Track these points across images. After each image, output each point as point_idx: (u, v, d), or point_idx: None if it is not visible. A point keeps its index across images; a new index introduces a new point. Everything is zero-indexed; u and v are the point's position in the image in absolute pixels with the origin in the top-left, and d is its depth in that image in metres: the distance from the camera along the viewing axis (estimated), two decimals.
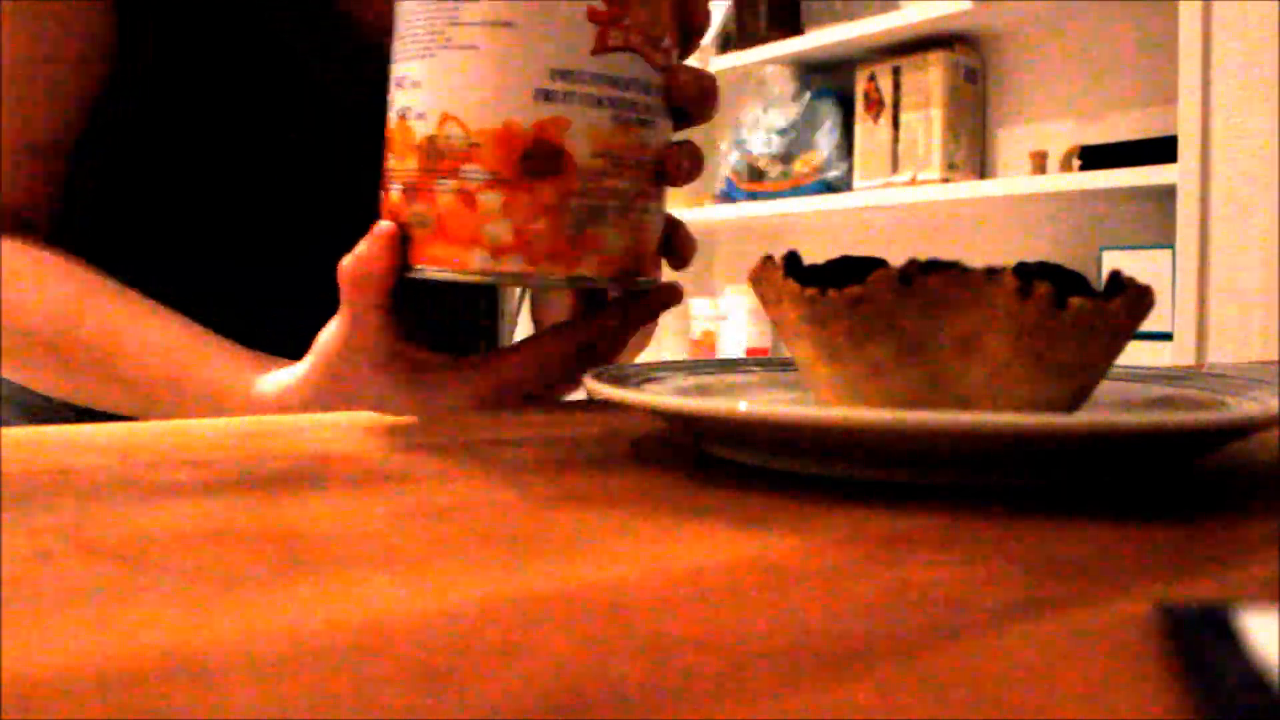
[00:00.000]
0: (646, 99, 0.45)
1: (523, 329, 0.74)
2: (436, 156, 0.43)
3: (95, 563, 0.21)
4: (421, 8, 0.44)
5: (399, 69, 0.45)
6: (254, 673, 0.16)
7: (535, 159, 0.42)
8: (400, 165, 0.45)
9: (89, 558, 0.22)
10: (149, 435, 0.39)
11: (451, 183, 0.43)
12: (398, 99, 0.45)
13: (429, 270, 0.44)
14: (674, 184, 0.47)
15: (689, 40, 0.49)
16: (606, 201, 0.44)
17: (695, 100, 0.47)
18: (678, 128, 0.49)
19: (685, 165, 0.47)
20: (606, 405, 0.50)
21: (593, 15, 0.43)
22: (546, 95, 0.42)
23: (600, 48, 0.43)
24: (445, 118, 0.43)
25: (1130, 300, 0.32)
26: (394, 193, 0.45)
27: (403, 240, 0.45)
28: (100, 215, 0.68)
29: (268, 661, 0.16)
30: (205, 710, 0.14)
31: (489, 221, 0.43)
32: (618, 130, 0.44)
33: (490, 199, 0.42)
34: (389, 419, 0.44)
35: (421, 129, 0.44)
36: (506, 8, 0.42)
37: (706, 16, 0.48)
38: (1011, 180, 2.06)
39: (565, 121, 0.42)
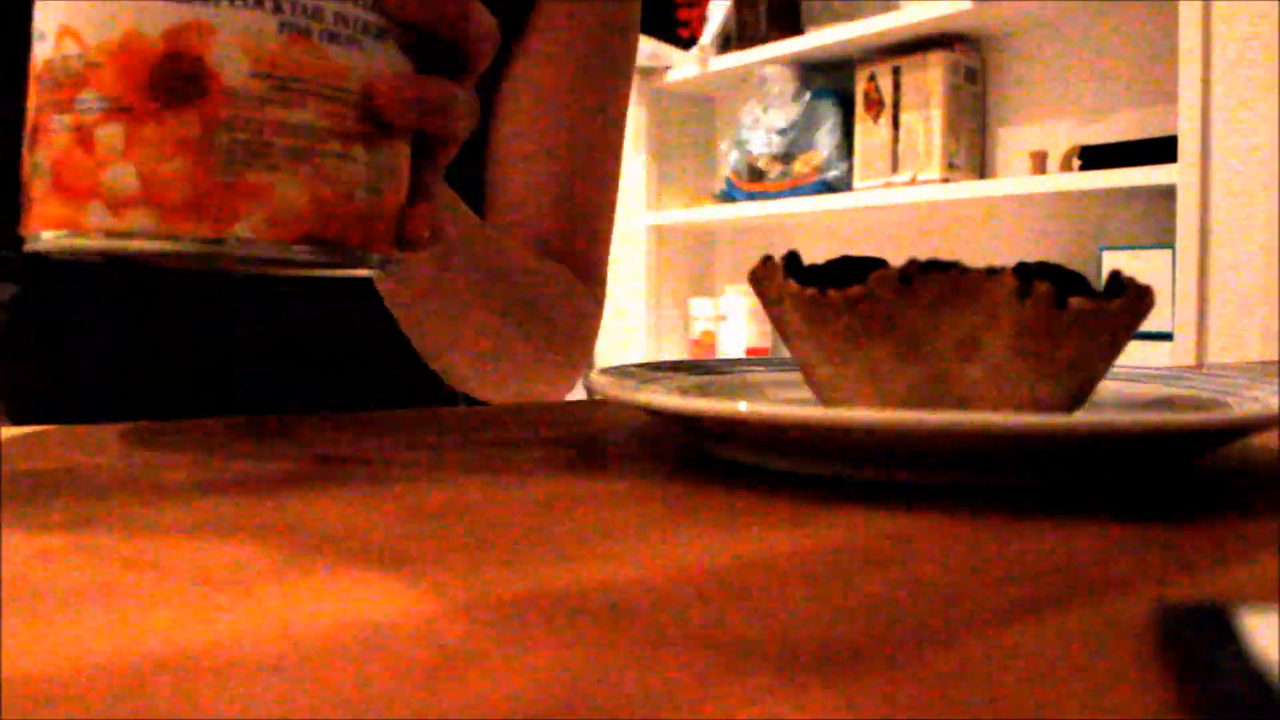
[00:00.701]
0: (340, 7, 0.34)
1: None
2: (54, 86, 0.33)
3: (95, 563, 0.21)
4: None
5: None
6: (254, 673, 0.16)
7: (167, 78, 0.32)
8: (29, 106, 0.35)
9: (89, 558, 0.22)
10: (149, 435, 0.39)
11: (65, 117, 0.33)
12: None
13: (45, 237, 0.33)
14: (393, 122, 0.35)
15: None
16: (274, 138, 0.33)
17: (426, 20, 0.36)
18: (438, 66, 0.38)
19: (409, 98, 0.35)
20: (606, 405, 0.50)
21: None
22: None
23: None
24: (63, 33, 0.33)
25: (1130, 300, 0.32)
26: (25, 143, 0.35)
27: (25, 206, 0.34)
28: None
29: (268, 661, 0.16)
30: (206, 710, 0.14)
31: (109, 164, 0.32)
32: (291, 43, 0.33)
33: (110, 134, 0.32)
34: (388, 419, 0.44)
35: (40, 52, 0.34)
36: None
37: None
38: (1011, 180, 2.06)
39: (208, 27, 0.32)
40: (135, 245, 0.32)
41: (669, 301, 2.81)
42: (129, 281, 0.66)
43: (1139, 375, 0.44)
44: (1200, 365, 1.29)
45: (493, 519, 0.26)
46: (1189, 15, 1.76)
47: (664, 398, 0.32)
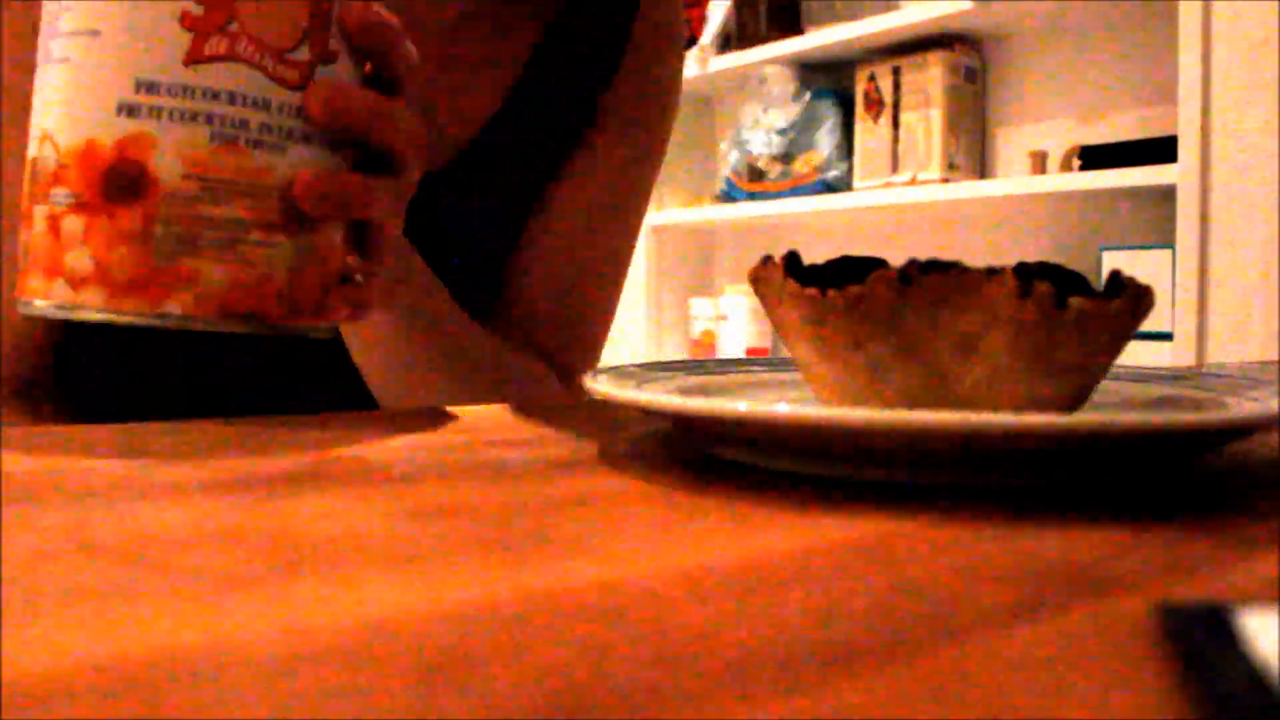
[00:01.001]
0: (263, 117, 0.39)
1: None
2: (34, 180, 0.40)
3: (95, 563, 0.21)
4: (42, 19, 0.41)
5: None
6: (254, 673, 0.16)
7: (116, 180, 0.38)
8: (24, 195, 0.41)
9: (89, 558, 0.22)
10: (149, 435, 0.39)
11: (44, 208, 0.39)
12: None
13: (35, 304, 0.40)
14: (310, 213, 0.41)
15: (390, 69, 0.43)
16: (201, 231, 0.39)
17: (347, 126, 0.41)
18: (372, 164, 0.44)
19: (322, 192, 0.40)
20: (606, 405, 0.50)
21: (186, 21, 0.38)
22: (130, 110, 0.38)
23: (196, 57, 0.38)
24: (44, 137, 0.39)
25: (1130, 300, 0.32)
26: (21, 226, 0.41)
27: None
28: None
29: (268, 661, 0.16)
30: (205, 710, 0.14)
31: (70, 249, 0.39)
32: (220, 151, 0.39)
33: (72, 224, 0.39)
34: (388, 419, 0.44)
35: (30, 151, 0.40)
36: (95, 13, 0.38)
37: (399, 52, 0.43)
38: (1011, 180, 2.06)
39: (149, 138, 0.38)
40: (89, 317, 0.39)
41: (669, 301, 2.81)
42: None
43: (1139, 375, 0.44)
44: (1200, 365, 1.29)
45: (493, 519, 0.26)
46: (1189, 15, 1.76)
47: (664, 398, 0.32)
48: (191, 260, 0.39)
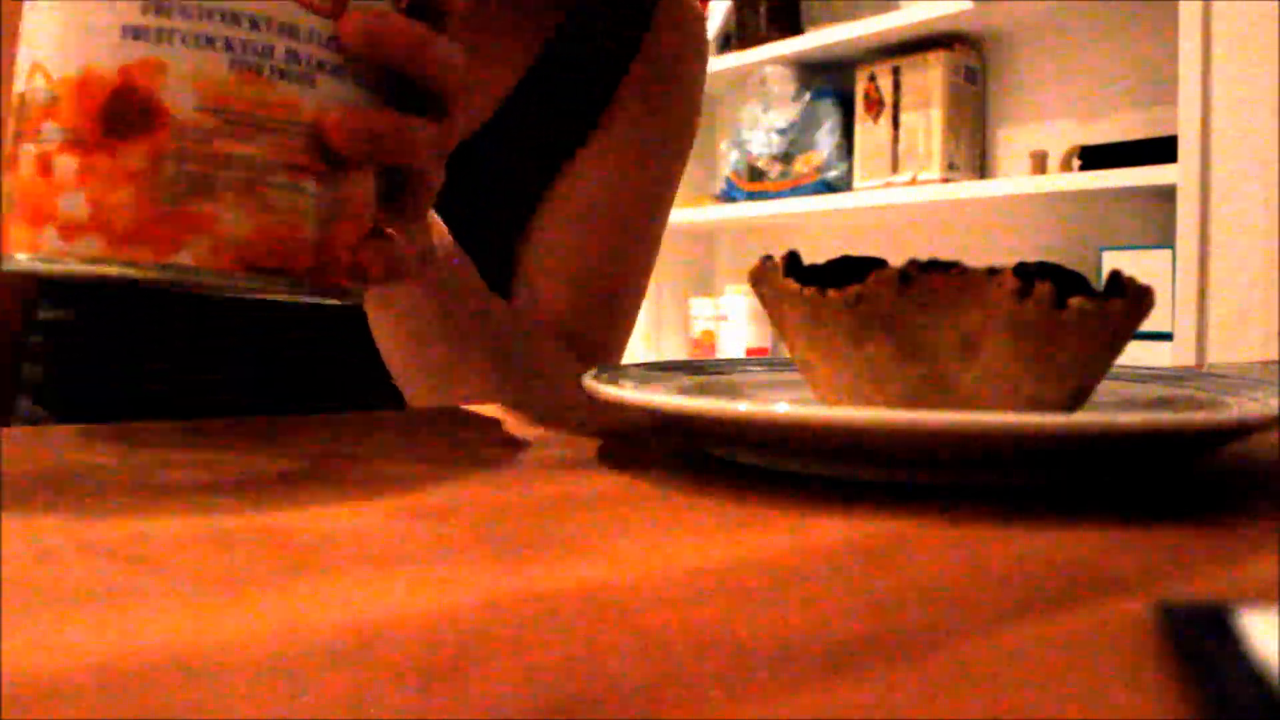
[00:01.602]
0: (290, 44, 0.35)
1: None
2: (21, 118, 0.35)
3: (95, 563, 0.21)
4: None
5: None
6: (254, 673, 0.16)
7: (119, 112, 0.34)
8: (6, 136, 0.36)
9: (89, 558, 0.22)
10: (149, 435, 0.39)
11: (33, 146, 0.34)
12: None
13: (17, 257, 0.35)
14: (342, 154, 0.36)
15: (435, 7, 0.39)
16: (219, 170, 0.34)
17: (383, 56, 0.37)
18: (409, 103, 0.38)
19: (357, 130, 0.35)
20: (606, 405, 0.50)
21: None
22: (136, 33, 0.33)
23: None
24: (34, 68, 0.35)
25: (1130, 300, 0.32)
26: (2, 171, 0.36)
27: None
28: None
29: (268, 661, 0.16)
30: (205, 710, 0.14)
31: (64, 192, 0.34)
32: (240, 80, 0.34)
33: (65, 163, 0.34)
34: (388, 419, 0.44)
35: (17, 86, 0.35)
36: None
37: None
38: (1011, 180, 2.06)
39: (159, 64, 0.33)
40: (81, 270, 0.34)
41: (669, 301, 2.81)
42: (127, 294, 0.66)
43: (1139, 375, 0.44)
44: (1200, 365, 1.29)
45: (493, 519, 0.26)
46: (1189, 15, 1.76)
47: (664, 398, 0.32)
48: (206, 203, 0.34)
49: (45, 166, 0.34)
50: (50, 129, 0.34)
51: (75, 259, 0.34)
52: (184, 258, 0.34)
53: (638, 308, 0.77)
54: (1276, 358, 1.63)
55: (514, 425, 0.43)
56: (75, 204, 0.34)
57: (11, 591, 0.19)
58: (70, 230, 0.34)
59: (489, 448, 0.37)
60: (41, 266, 0.34)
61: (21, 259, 0.35)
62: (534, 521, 0.26)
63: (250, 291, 0.36)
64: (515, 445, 0.38)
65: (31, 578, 0.20)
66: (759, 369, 0.48)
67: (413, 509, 0.27)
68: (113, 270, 0.34)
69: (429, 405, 0.62)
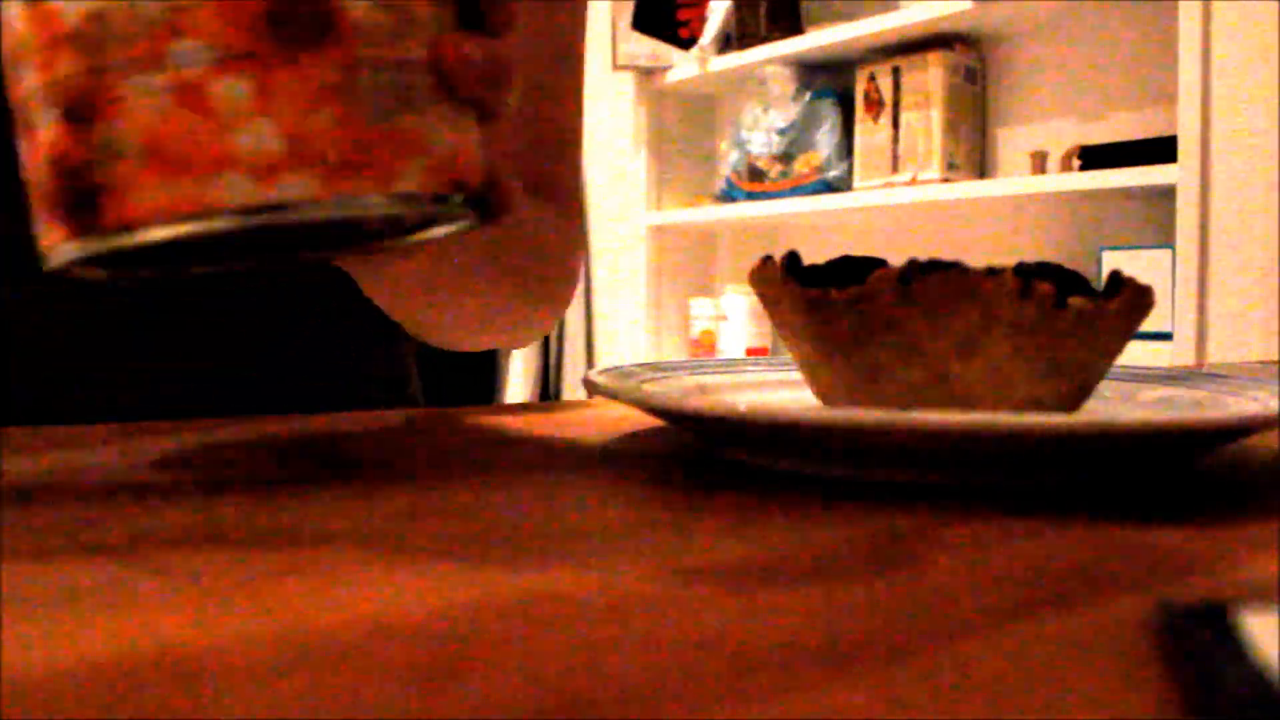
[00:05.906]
0: None
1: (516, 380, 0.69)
2: (117, 43, 0.27)
3: (95, 563, 0.21)
4: None
5: None
6: (254, 673, 0.16)
7: (289, 16, 0.27)
8: (43, 79, 0.27)
9: (89, 558, 0.22)
10: (149, 435, 0.39)
11: (157, 77, 0.26)
12: None
13: (154, 228, 0.27)
14: (457, 82, 0.30)
15: None
16: (409, 76, 0.28)
17: None
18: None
19: (466, 53, 0.29)
20: (606, 405, 0.50)
21: None
22: None
23: None
24: None
25: (1130, 300, 0.32)
26: (46, 128, 0.27)
27: (85, 198, 0.27)
28: None
29: (267, 661, 0.16)
30: (205, 710, 0.14)
31: (239, 124, 0.27)
32: None
33: (229, 90, 0.26)
34: (388, 419, 0.44)
35: (72, 7, 0.27)
36: None
37: None
38: (1011, 180, 2.06)
39: None
40: (293, 216, 0.27)
41: (669, 301, 2.81)
42: (109, 294, 0.66)
43: (1139, 375, 0.44)
44: (1200, 365, 1.29)
45: (493, 519, 0.26)
46: (1189, 15, 1.76)
47: (664, 398, 0.32)
48: (411, 117, 0.28)
49: (195, 96, 0.27)
50: (187, 49, 0.27)
51: (284, 206, 0.27)
52: (407, 182, 0.28)
53: (581, 149, 0.74)
54: (1276, 358, 1.63)
55: (513, 425, 0.43)
56: (262, 136, 0.27)
57: (11, 592, 0.19)
58: (261, 171, 0.27)
59: (489, 447, 0.37)
60: (208, 228, 0.27)
61: (158, 229, 0.27)
62: (534, 521, 0.26)
63: (463, 223, 0.31)
64: (514, 445, 0.38)
65: (31, 578, 0.20)
66: (759, 369, 0.48)
67: (413, 509, 0.27)
68: (331, 212, 0.28)
69: (463, 338, 0.60)
